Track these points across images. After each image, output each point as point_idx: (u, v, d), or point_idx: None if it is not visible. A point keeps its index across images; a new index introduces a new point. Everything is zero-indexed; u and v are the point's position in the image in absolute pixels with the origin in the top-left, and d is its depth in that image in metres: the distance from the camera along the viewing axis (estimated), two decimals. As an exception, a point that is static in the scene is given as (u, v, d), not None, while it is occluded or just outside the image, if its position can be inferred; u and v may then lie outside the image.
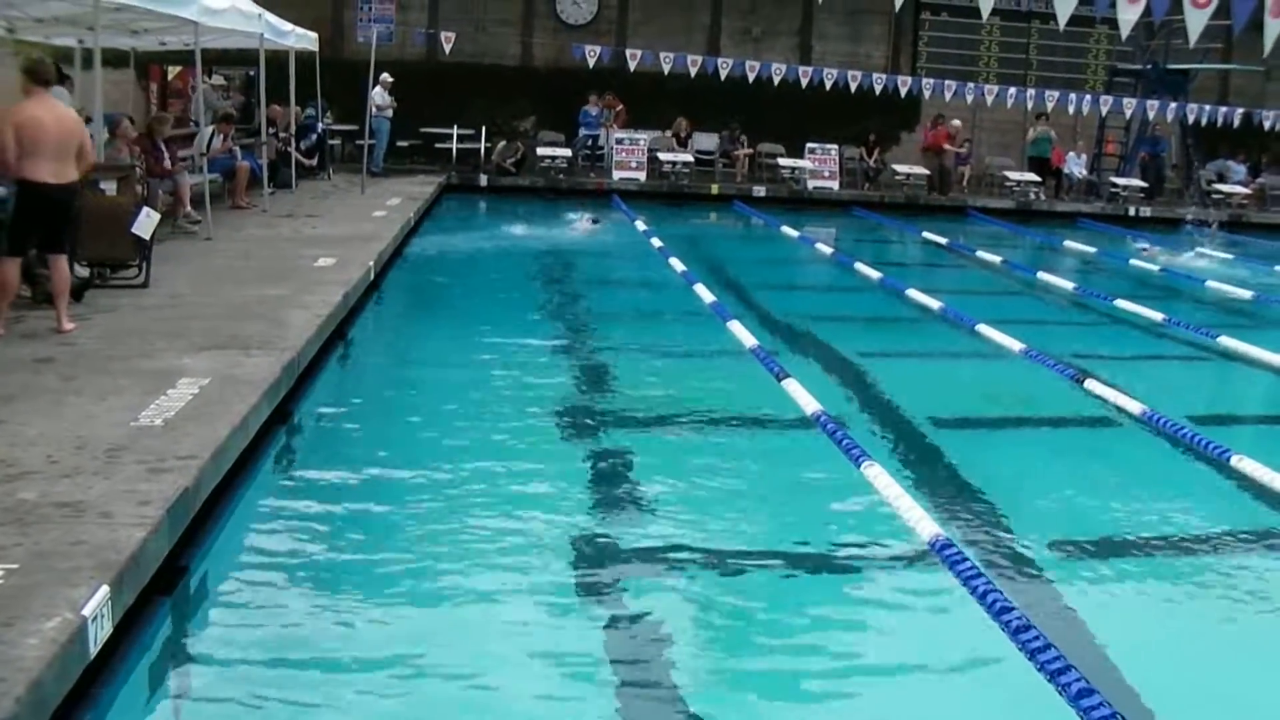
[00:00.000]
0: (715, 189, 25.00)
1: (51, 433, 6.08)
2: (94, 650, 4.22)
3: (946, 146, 26.44)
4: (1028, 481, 7.75)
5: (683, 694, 4.63)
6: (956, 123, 26.75)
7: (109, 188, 10.53)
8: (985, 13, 23.15)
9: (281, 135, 19.75)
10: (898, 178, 26.22)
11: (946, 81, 25.30)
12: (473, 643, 4.98)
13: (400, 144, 24.60)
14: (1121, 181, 26.78)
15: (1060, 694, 4.31)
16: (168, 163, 14.23)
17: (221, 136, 16.62)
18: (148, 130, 14.49)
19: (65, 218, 8.68)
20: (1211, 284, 16.62)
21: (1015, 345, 10.83)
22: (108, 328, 8.69)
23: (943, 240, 20.59)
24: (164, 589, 5.12)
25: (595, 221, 20.48)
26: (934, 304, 13.23)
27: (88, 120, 14.10)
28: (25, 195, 8.39)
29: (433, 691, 4.61)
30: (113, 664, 4.48)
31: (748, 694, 4.71)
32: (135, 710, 4.43)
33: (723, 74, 24.53)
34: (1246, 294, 15.62)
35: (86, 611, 4.15)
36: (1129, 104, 25.88)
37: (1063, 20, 23.08)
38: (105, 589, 4.33)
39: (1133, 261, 19.41)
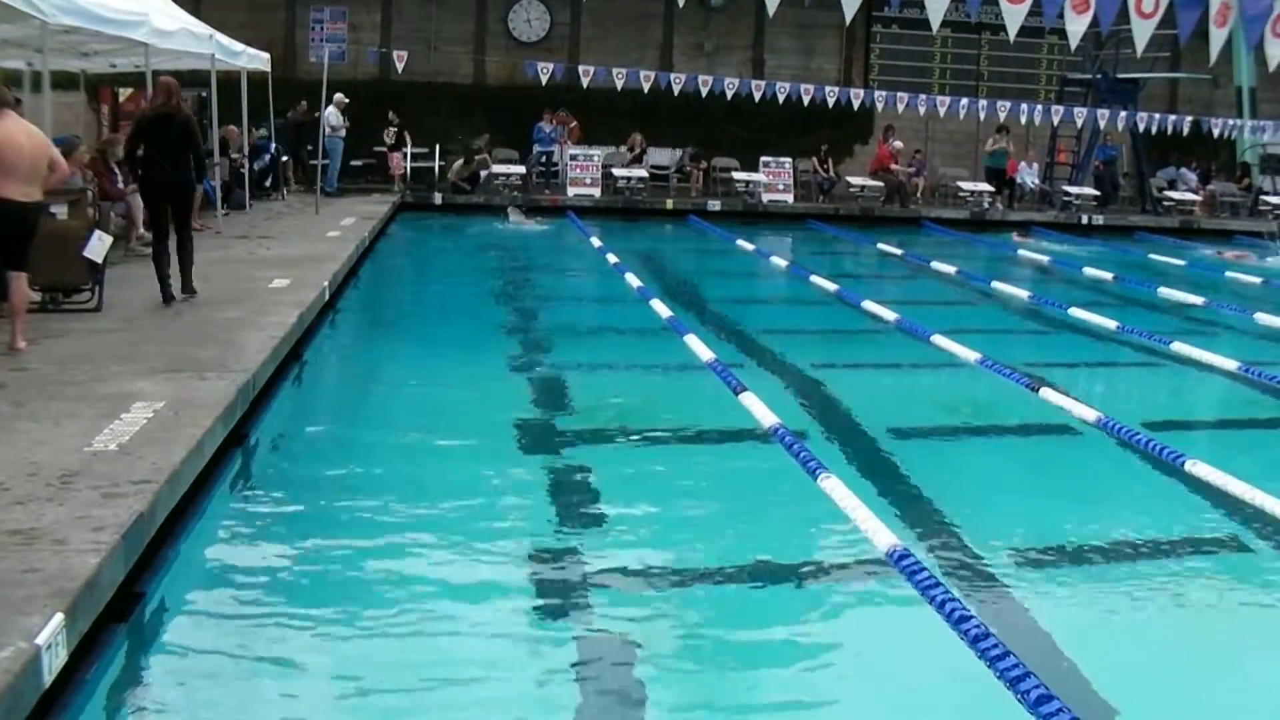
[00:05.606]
0: (670, 204, 25.06)
1: (3, 459, 6.01)
2: (48, 679, 4.17)
3: (893, 166, 26.61)
4: (984, 490, 7.78)
5: (644, 709, 4.63)
6: (898, 144, 26.94)
7: (60, 211, 10.43)
8: (935, 25, 23.52)
9: (234, 157, 19.66)
10: (852, 190, 26.36)
11: (899, 93, 25.52)
12: (435, 666, 4.95)
13: (354, 163, 24.53)
14: (1074, 190, 27.05)
15: (1019, 701, 4.34)
16: (121, 184, 14.14)
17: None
18: (100, 153, 14.39)
19: (31, 235, 8.66)
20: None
21: (970, 355, 10.88)
22: (60, 352, 8.60)
23: (898, 251, 20.71)
24: (119, 616, 5.06)
25: (539, 221, 20.61)
26: (890, 315, 13.28)
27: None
28: None
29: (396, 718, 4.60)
30: (68, 693, 4.43)
31: (709, 707, 4.72)
32: (92, 739, 4.38)
33: (676, 89, 24.63)
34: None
35: (40, 640, 4.11)
36: (1080, 113, 26.20)
37: (1013, 31, 23.63)
38: (60, 617, 4.28)
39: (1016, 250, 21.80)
